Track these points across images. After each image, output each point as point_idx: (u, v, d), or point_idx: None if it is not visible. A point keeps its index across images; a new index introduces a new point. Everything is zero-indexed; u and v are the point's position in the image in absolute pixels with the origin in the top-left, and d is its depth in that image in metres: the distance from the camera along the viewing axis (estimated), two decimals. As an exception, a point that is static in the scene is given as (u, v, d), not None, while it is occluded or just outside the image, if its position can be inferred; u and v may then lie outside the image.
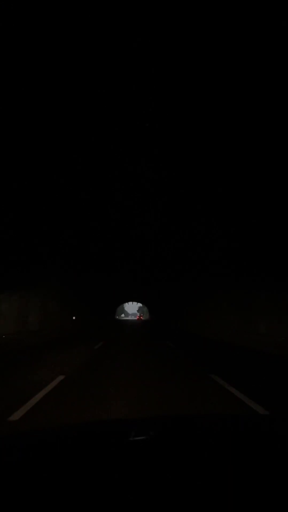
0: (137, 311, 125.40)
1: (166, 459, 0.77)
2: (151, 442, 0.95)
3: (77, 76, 5.65)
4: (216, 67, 5.37)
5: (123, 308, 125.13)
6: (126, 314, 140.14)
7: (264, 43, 4.78)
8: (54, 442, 0.93)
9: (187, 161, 8.17)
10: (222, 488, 0.61)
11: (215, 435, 0.98)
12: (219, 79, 5.61)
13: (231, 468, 0.69)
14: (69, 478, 0.66)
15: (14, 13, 4.41)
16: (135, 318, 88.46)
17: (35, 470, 0.72)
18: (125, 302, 64.82)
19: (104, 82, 5.85)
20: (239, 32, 4.69)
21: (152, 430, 1.07)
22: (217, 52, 5.09)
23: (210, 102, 6.16)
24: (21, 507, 0.54)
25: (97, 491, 0.60)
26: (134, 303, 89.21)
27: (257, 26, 4.55)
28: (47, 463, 0.75)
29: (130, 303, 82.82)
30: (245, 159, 7.30)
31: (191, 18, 4.61)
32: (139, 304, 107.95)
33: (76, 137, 7.32)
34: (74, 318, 22.57)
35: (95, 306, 31.72)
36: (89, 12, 4.51)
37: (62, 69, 5.47)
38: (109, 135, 7.33)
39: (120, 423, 1.35)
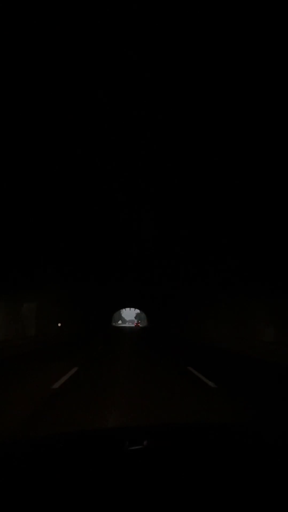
0: (135, 317, 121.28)
1: (161, 470, 0.75)
2: (146, 452, 0.92)
3: (78, 77, 5.82)
4: (214, 72, 5.60)
5: (120, 314, 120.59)
6: (124, 320, 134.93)
7: (263, 44, 4.93)
8: (51, 451, 0.90)
9: (181, 175, 8.06)
10: (217, 499, 0.60)
11: (209, 445, 0.96)
12: (220, 80, 5.80)
13: (225, 478, 0.69)
14: (63, 488, 0.65)
15: (15, 11, 4.64)
16: (133, 325, 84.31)
17: (27, 484, 0.68)
18: (122, 308, 60.77)
19: (105, 83, 6.00)
20: (239, 34, 4.88)
21: (146, 440, 1.05)
22: (214, 57, 5.30)
23: (211, 102, 6.20)
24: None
25: (91, 502, 0.58)
26: (132, 309, 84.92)
27: (257, 26, 4.71)
28: (41, 473, 0.73)
29: (127, 309, 78.62)
30: (241, 164, 7.30)
31: (192, 20, 4.80)
32: (137, 311, 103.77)
33: (73, 147, 7.29)
34: (59, 325, 17.84)
35: (89, 312, 27.49)
36: (90, 11, 4.71)
37: (63, 71, 5.66)
38: (108, 143, 7.22)
39: (116, 432, 1.30)
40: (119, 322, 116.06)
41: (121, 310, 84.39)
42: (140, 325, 75.76)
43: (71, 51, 5.77)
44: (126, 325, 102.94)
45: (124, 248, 16.02)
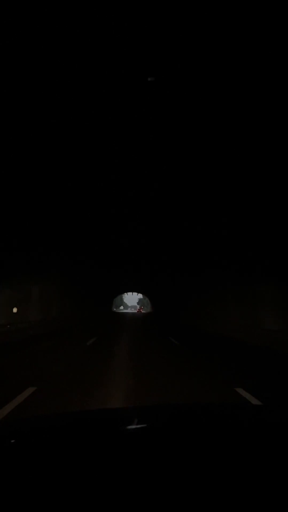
0: (138, 303, 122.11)
1: (165, 448, 0.75)
2: (151, 430, 0.92)
3: (78, 77, 5.99)
4: (214, 72, 5.73)
5: (122, 299, 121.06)
6: (126, 306, 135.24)
7: (263, 43, 4.98)
8: (52, 429, 0.90)
9: (189, 151, 8.09)
10: (222, 479, 0.59)
11: (215, 424, 0.96)
12: (220, 80, 5.93)
13: (231, 459, 0.68)
14: (66, 466, 0.65)
15: (15, 11, 4.70)
16: (135, 311, 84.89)
17: (32, 457, 0.69)
18: (124, 292, 60.79)
19: (105, 83, 6.14)
20: (240, 34, 4.93)
21: (151, 419, 1.05)
22: (214, 56, 5.39)
23: (211, 102, 6.31)
24: (18, 496, 0.53)
25: (95, 479, 0.58)
26: (135, 293, 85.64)
27: (257, 27, 4.76)
28: (44, 450, 0.74)
29: (130, 293, 79.14)
30: (246, 154, 7.37)
31: (192, 20, 4.83)
32: (140, 296, 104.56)
33: (78, 133, 7.35)
34: (15, 311, 11.94)
35: (83, 296, 24.25)
36: (90, 11, 4.74)
37: (63, 72, 5.79)
38: (110, 128, 7.28)
39: (120, 411, 1.30)
40: (121, 307, 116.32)
41: (123, 294, 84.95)
42: (143, 311, 76.15)
43: (72, 51, 5.76)
44: (129, 310, 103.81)
45: (126, 232, 16.00)
